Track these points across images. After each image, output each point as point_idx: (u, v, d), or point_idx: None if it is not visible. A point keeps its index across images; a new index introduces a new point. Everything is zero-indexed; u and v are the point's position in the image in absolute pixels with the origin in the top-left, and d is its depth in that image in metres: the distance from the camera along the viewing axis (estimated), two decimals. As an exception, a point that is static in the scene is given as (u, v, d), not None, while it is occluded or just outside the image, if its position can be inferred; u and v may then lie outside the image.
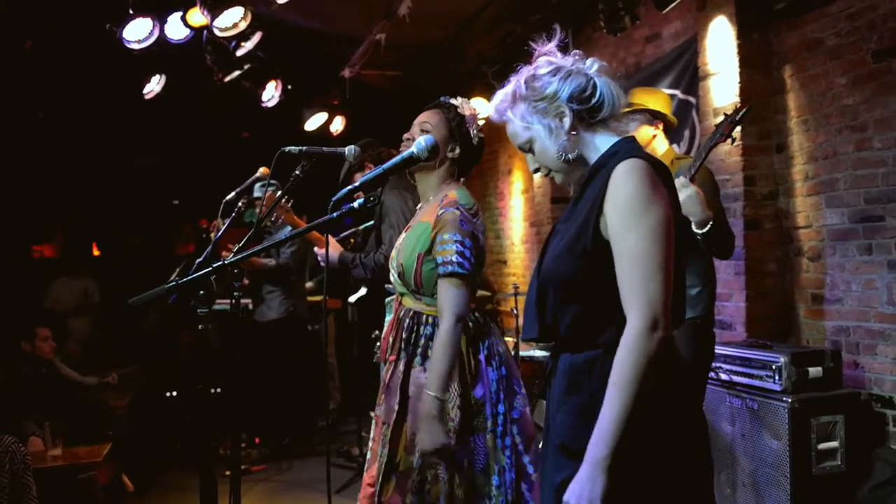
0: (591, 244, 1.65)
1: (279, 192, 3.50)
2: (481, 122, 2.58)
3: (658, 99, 3.45)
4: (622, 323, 1.60)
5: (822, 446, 3.51)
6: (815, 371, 3.61)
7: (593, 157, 1.76)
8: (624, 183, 1.62)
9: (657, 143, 3.39)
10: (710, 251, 3.14)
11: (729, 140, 3.09)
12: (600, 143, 1.76)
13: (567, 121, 1.73)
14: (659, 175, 1.65)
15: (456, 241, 2.34)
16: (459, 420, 2.35)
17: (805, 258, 4.32)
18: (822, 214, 4.18)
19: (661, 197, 1.61)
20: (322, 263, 3.52)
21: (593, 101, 1.73)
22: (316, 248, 3.41)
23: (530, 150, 1.81)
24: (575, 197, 1.79)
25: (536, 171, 1.84)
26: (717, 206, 3.22)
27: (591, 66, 1.77)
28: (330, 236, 3.37)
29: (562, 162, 1.77)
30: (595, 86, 1.74)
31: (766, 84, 4.47)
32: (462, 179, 2.59)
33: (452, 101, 2.57)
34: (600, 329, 1.67)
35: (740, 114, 3.04)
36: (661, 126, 3.40)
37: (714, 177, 3.43)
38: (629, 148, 1.72)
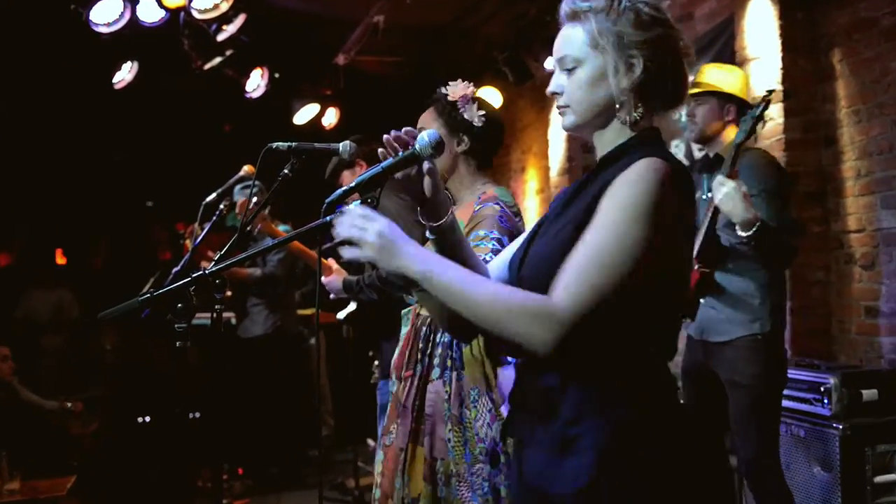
0: None
1: (255, 199, 3.48)
2: (490, 99, 2.55)
3: (733, 78, 3.41)
4: (605, 344, 1.54)
5: (878, 479, 3.49)
6: (869, 394, 3.58)
7: (614, 130, 1.68)
8: (633, 183, 1.54)
9: (729, 131, 3.35)
10: (763, 260, 3.11)
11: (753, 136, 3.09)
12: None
13: (633, 74, 1.62)
14: (678, 184, 1.57)
15: (493, 239, 2.30)
16: (490, 442, 2.31)
17: (857, 266, 4.29)
18: (876, 216, 4.16)
19: (667, 214, 1.53)
20: (332, 295, 3.50)
21: (660, 82, 1.64)
22: (324, 278, 3.40)
23: (568, 70, 1.68)
24: (573, 189, 1.73)
25: (554, 93, 1.71)
26: (776, 204, 3.15)
27: (690, 52, 1.69)
28: (331, 260, 3.36)
29: (592, 107, 1.66)
30: (675, 73, 1.66)
31: (813, 70, 4.46)
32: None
33: (443, 89, 2.55)
34: (579, 350, 1.56)
35: (759, 108, 3.02)
36: (733, 111, 3.35)
37: (777, 168, 3.34)
38: (652, 144, 1.66)
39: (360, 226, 1.62)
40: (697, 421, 1.71)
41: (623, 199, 1.53)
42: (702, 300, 3.37)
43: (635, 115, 1.65)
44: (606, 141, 1.70)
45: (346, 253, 1.63)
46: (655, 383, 1.62)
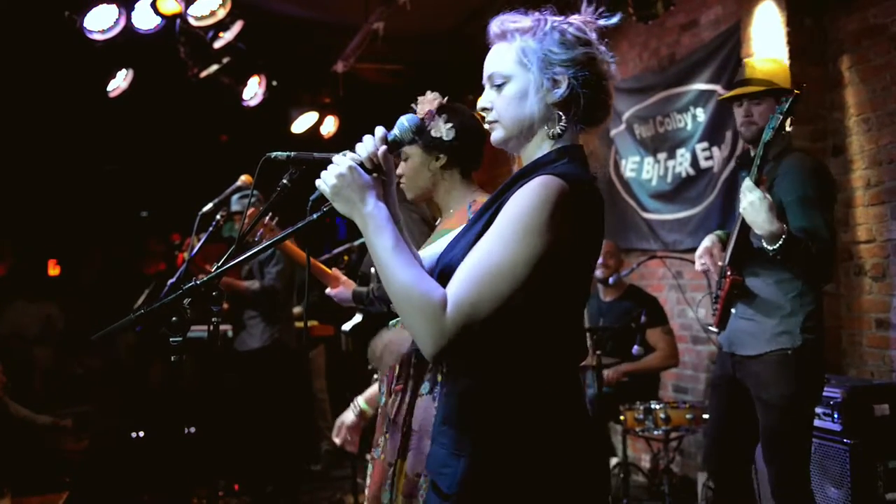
0: None
1: (262, 206, 3.48)
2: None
3: (782, 71, 3.39)
4: (516, 349, 1.65)
5: (890, 496, 3.48)
6: (881, 408, 3.58)
7: (535, 145, 1.78)
8: (525, 196, 1.62)
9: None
10: (797, 272, 3.05)
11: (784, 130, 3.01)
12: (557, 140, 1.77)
13: (559, 92, 1.72)
14: (574, 202, 1.63)
15: None
16: None
17: (867, 277, 4.29)
18: (886, 227, 4.16)
19: (555, 231, 1.59)
20: (338, 302, 3.49)
21: (584, 100, 1.73)
22: (329, 290, 3.39)
23: (497, 87, 1.78)
24: (487, 202, 1.80)
25: (485, 109, 1.82)
26: (811, 213, 3.06)
27: (615, 74, 1.79)
28: (336, 270, 3.34)
29: (518, 122, 1.76)
30: (598, 92, 1.75)
31: (821, 77, 4.47)
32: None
33: (413, 105, 2.52)
34: (491, 354, 1.67)
35: (787, 103, 2.96)
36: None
37: (820, 174, 3.22)
38: (563, 161, 1.72)
39: (330, 168, 1.73)
40: (595, 434, 1.79)
41: (512, 214, 1.62)
42: (733, 310, 3.34)
43: (557, 129, 1.75)
44: (528, 155, 1.81)
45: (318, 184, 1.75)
46: (546, 394, 1.68)
